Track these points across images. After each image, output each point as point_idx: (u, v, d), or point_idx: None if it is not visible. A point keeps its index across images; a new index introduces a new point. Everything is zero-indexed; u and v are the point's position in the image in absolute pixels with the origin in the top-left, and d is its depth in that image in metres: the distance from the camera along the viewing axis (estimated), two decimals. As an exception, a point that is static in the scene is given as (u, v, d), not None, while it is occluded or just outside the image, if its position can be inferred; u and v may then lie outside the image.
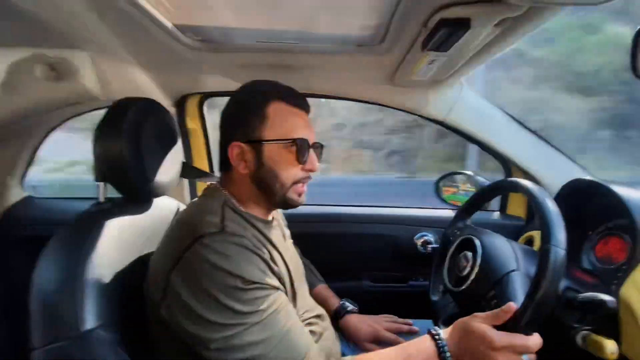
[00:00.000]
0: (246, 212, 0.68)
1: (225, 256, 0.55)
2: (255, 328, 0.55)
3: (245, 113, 0.67)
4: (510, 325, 0.56)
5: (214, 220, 0.60)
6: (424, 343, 0.60)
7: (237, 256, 0.56)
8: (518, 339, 0.55)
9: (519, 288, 0.66)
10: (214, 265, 0.54)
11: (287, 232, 0.86)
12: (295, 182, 0.69)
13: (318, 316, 0.83)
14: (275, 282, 0.61)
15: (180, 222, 0.65)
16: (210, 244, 0.56)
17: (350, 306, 0.94)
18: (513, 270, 0.69)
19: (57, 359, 0.54)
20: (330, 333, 0.82)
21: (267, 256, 0.62)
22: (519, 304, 0.57)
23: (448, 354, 0.57)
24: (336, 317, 0.91)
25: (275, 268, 0.63)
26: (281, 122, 0.67)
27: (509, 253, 0.73)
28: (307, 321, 0.78)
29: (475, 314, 0.59)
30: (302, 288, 0.81)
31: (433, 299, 0.85)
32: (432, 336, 0.60)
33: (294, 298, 0.70)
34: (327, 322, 0.85)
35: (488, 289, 0.68)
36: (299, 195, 0.70)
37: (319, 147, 0.73)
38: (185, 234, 0.59)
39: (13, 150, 1.36)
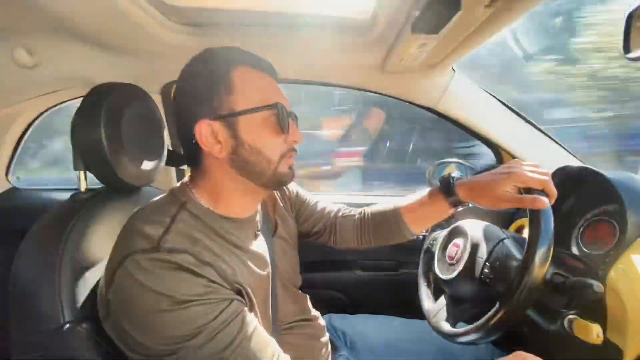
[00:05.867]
0: (212, 213, 0.59)
1: (154, 274, 0.48)
2: (201, 352, 0.47)
3: (207, 85, 0.56)
4: (515, 282, 0.56)
5: (152, 234, 0.51)
6: None
7: (168, 273, 0.48)
8: None
9: (514, 248, 0.69)
10: (143, 286, 0.47)
11: (283, 223, 0.79)
12: (282, 156, 0.59)
13: (306, 320, 0.78)
14: (224, 292, 0.52)
15: (123, 229, 0.56)
16: (141, 261, 0.48)
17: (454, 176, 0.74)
18: (505, 238, 0.71)
19: (36, 351, 0.53)
20: (317, 342, 0.77)
21: (215, 270, 0.52)
22: (518, 261, 0.58)
23: None
24: (448, 193, 0.73)
25: (232, 277, 0.55)
26: (251, 88, 0.57)
27: (497, 229, 0.76)
28: (290, 325, 0.73)
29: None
30: (286, 288, 0.75)
31: (426, 308, 0.83)
32: None
33: (265, 301, 0.65)
34: (316, 327, 0.79)
35: (485, 259, 0.69)
36: (290, 168, 0.62)
37: (294, 117, 0.64)
38: (121, 247, 0.52)
39: (-5, 140, 1.32)
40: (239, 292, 0.56)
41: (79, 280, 0.58)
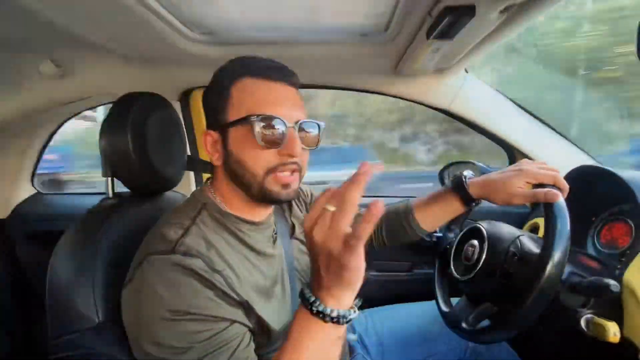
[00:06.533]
0: (229, 214, 0.60)
1: (165, 277, 0.49)
2: None
3: (213, 96, 0.59)
4: (532, 280, 0.57)
5: (170, 236, 0.52)
6: (305, 322, 0.43)
7: (178, 276, 0.49)
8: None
9: (531, 246, 0.69)
10: (152, 289, 0.48)
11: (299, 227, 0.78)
12: (270, 171, 0.56)
13: None
14: (227, 312, 0.51)
15: (149, 232, 0.58)
16: (156, 262, 0.50)
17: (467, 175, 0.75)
18: (520, 236, 0.72)
19: (72, 349, 0.56)
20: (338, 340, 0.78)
21: (224, 279, 0.52)
22: (535, 258, 0.59)
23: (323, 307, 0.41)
24: (460, 190, 0.75)
25: (238, 288, 0.53)
26: (244, 99, 0.56)
27: (512, 228, 0.77)
28: None
29: None
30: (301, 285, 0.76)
31: (444, 310, 0.83)
32: (305, 306, 0.42)
33: (283, 297, 0.65)
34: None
35: (502, 258, 0.70)
36: (283, 186, 0.57)
37: (297, 128, 0.56)
38: (143, 248, 0.55)
39: (21, 147, 1.38)
40: (245, 306, 0.55)
41: (111, 281, 0.61)
